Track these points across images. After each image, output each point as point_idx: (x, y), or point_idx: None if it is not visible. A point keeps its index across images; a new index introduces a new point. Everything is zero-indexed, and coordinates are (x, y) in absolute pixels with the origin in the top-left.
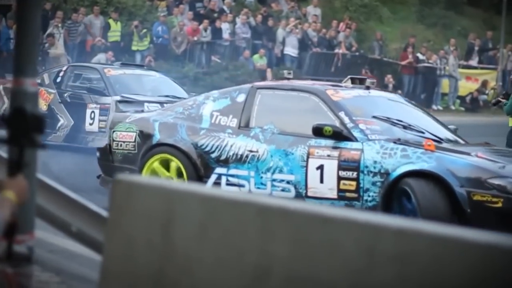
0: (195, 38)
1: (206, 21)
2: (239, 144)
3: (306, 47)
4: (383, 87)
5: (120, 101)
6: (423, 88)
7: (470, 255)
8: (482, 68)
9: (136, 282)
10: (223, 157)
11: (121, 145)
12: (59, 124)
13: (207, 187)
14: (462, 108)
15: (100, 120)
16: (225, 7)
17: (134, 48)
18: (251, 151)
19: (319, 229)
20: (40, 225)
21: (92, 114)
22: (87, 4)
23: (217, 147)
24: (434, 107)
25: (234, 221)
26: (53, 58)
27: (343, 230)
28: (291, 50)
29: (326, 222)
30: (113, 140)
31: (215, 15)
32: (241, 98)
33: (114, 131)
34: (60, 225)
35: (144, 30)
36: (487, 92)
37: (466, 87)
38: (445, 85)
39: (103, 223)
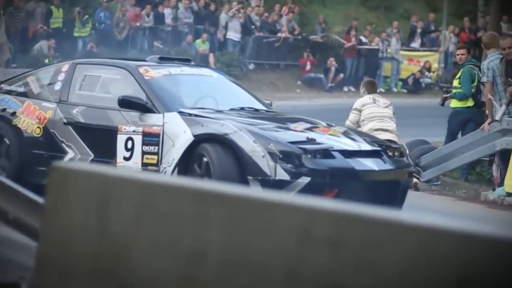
0: (138, 24)
1: (148, 7)
2: None
3: (249, 31)
4: (326, 70)
5: None
6: (365, 71)
7: (406, 239)
8: (424, 50)
9: (72, 268)
10: None
11: None
12: (66, 159)
13: (143, 172)
14: (404, 90)
15: (145, 152)
16: None
17: (76, 34)
18: None
19: (254, 214)
20: None
21: (129, 143)
22: None
23: None
24: None
25: (170, 206)
26: None
27: (278, 214)
28: (233, 34)
29: (261, 206)
30: None
31: (158, 0)
32: None
33: None
34: None
35: (86, 16)
36: (429, 75)
37: (408, 69)
38: (387, 67)
39: (40, 210)
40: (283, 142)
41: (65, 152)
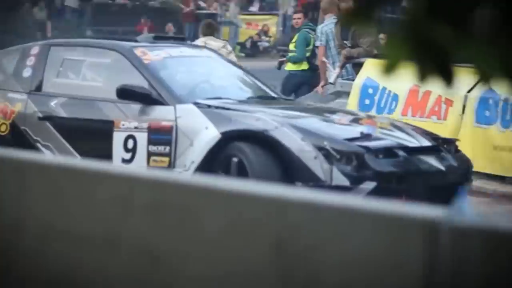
0: None
1: None
2: None
3: None
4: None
5: None
6: None
7: (224, 205)
8: (263, 14)
9: None
10: None
11: None
12: None
13: None
14: (242, 54)
15: (152, 153)
16: None
17: None
18: None
19: (75, 183)
20: None
21: (130, 142)
22: None
23: None
24: None
25: None
26: None
27: (99, 183)
28: (72, 1)
29: (81, 175)
30: None
31: None
32: None
33: None
34: None
35: None
36: (266, 38)
37: (247, 33)
38: (225, 32)
39: None
40: (339, 139)
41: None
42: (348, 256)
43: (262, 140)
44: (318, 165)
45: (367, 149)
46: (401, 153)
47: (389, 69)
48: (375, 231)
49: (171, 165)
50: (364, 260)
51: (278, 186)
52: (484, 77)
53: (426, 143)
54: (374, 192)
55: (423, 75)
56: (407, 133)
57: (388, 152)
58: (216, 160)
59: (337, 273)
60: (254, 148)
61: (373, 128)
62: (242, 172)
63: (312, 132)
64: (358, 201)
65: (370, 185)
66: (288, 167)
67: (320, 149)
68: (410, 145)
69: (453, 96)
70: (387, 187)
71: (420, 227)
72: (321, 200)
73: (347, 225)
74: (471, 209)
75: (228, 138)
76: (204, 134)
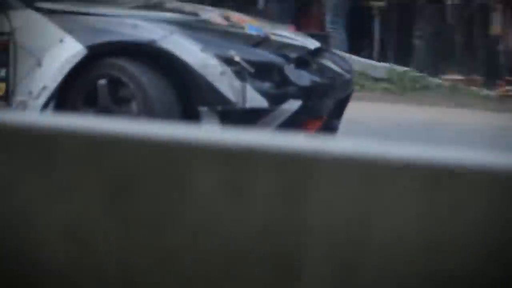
0: None
1: None
2: None
3: None
4: None
5: None
6: None
7: None
8: None
9: None
10: None
11: None
12: None
13: None
14: None
15: None
16: None
17: None
18: None
19: None
20: None
21: None
22: None
23: None
24: None
25: None
26: None
27: None
28: None
29: None
30: None
31: None
32: None
33: None
34: None
35: None
36: None
37: None
38: None
39: None
40: (248, 47)
41: None
42: None
43: (149, 55)
44: (226, 83)
45: (286, 57)
46: (311, 60)
47: None
48: None
49: (9, 93)
50: None
51: None
52: None
53: (315, 43)
54: (298, 114)
55: None
56: (289, 32)
57: (302, 60)
58: (83, 83)
59: None
60: (140, 66)
61: (262, 29)
62: (124, 97)
63: (213, 40)
64: None
65: (294, 104)
66: (188, 88)
67: (228, 61)
68: (311, 47)
69: None
70: (311, 106)
71: None
72: None
73: None
74: None
75: (98, 54)
76: (58, 50)
